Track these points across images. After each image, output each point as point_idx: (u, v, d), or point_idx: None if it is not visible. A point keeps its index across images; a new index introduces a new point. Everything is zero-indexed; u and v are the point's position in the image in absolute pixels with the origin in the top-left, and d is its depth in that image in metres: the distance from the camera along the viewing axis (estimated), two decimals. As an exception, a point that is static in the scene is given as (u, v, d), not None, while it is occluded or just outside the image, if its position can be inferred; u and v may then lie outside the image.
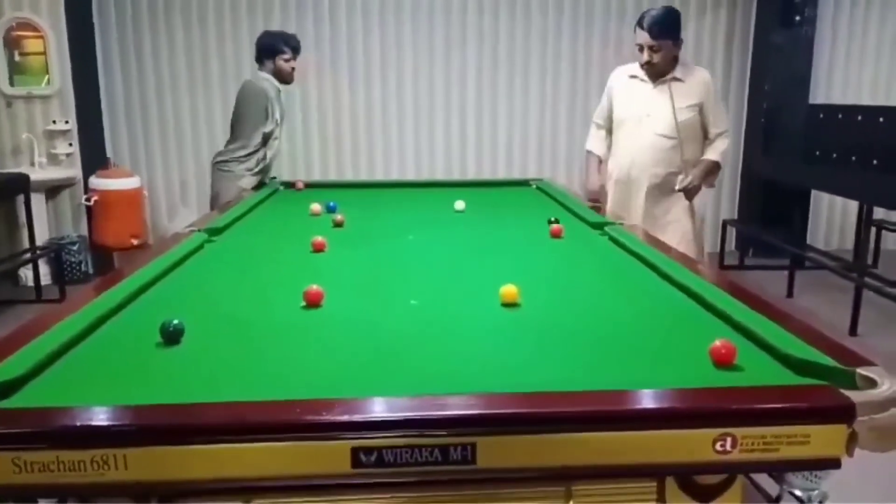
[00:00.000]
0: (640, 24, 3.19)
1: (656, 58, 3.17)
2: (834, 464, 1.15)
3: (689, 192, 3.28)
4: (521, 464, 1.12)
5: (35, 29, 5.19)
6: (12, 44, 5.21)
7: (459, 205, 3.16)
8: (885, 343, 3.98)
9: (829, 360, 1.27)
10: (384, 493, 1.15)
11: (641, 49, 3.18)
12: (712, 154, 3.29)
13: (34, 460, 1.03)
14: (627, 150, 3.34)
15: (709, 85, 3.27)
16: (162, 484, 1.08)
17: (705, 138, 3.31)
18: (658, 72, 3.23)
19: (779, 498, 1.24)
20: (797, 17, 5.70)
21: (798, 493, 1.21)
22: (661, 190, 3.31)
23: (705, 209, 3.48)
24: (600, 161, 3.52)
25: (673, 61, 3.23)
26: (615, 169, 3.41)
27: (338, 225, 2.79)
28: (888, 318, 4.25)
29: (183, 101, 5.90)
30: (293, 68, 4.07)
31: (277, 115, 3.99)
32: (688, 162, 3.26)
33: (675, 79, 3.22)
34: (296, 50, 4.09)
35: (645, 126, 3.27)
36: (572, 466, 1.13)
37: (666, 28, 3.16)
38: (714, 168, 3.32)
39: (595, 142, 3.55)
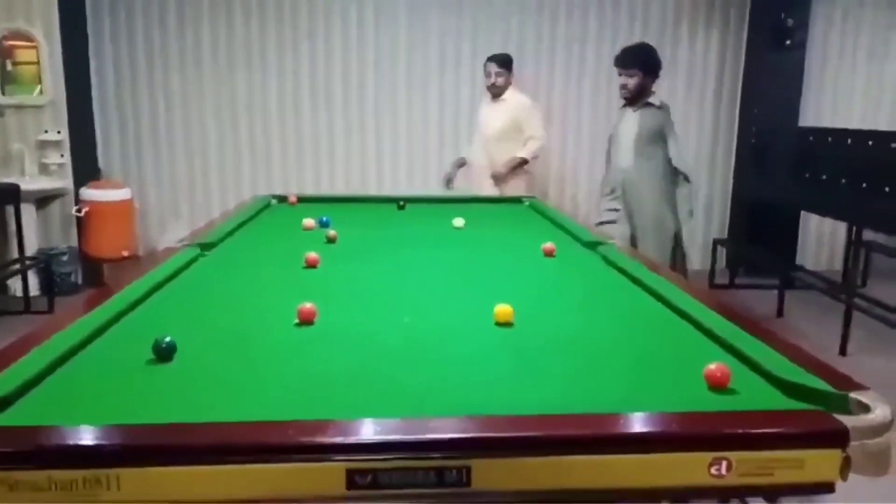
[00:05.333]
0: (490, 59, 4.71)
1: (499, 81, 4.66)
2: (828, 488, 1.15)
3: (497, 179, 4.62)
4: (515, 487, 1.11)
5: (28, 39, 5.19)
6: (5, 53, 5.20)
7: (458, 222, 3.15)
8: (875, 363, 4.00)
9: (822, 385, 1.28)
10: (379, 515, 1.14)
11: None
12: (520, 152, 4.60)
13: (26, 480, 1.02)
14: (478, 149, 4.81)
15: (521, 106, 4.67)
16: (154, 505, 1.07)
17: None
18: (497, 95, 4.70)
19: (772, 523, 1.24)
20: (788, 41, 5.76)
21: (792, 517, 1.21)
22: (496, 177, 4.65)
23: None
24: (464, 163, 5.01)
25: (507, 86, 4.69)
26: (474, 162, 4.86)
27: (331, 240, 2.78)
28: (878, 338, 4.28)
29: (176, 114, 5.90)
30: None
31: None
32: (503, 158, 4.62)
33: (503, 100, 4.69)
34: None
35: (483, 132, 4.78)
36: (567, 490, 1.12)
37: (507, 63, 4.69)
38: (518, 162, 4.62)
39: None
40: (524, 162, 4.65)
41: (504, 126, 4.63)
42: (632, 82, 3.94)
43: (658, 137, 3.92)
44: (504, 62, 4.67)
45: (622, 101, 4.09)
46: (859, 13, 6.08)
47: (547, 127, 5.16)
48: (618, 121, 4.15)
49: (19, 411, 1.19)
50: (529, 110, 4.70)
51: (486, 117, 4.77)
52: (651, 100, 3.96)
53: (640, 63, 3.94)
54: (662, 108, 3.99)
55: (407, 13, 5.88)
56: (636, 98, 3.96)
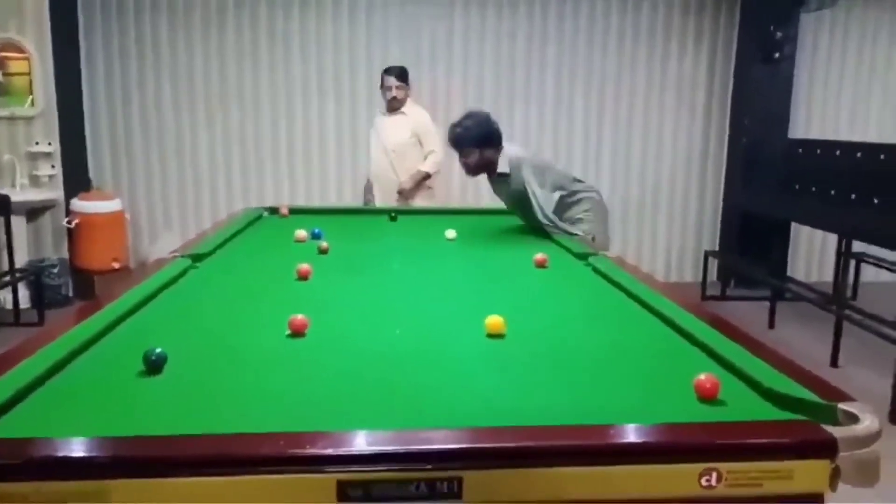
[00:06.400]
0: (388, 72, 4.67)
1: (399, 94, 4.62)
2: (817, 499, 1.16)
3: (402, 194, 4.61)
4: (507, 498, 1.11)
5: (20, 50, 5.18)
6: (-4, 64, 5.20)
7: (450, 234, 3.16)
8: (865, 374, 4.02)
9: (811, 396, 1.28)
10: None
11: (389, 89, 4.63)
12: (422, 166, 4.62)
13: (14, 491, 1.02)
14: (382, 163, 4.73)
15: (421, 121, 4.67)
16: (144, 517, 1.06)
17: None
18: (396, 108, 4.66)
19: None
20: (776, 55, 5.82)
21: (782, 528, 1.21)
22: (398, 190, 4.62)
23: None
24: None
25: (405, 100, 4.68)
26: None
27: (323, 252, 2.78)
28: (868, 349, 4.29)
29: (167, 125, 5.90)
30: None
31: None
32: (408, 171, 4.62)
33: (402, 113, 4.66)
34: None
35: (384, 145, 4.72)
36: (558, 501, 1.12)
37: (404, 75, 4.67)
38: (423, 176, 4.62)
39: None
40: (427, 176, 4.67)
41: (405, 140, 4.64)
42: (471, 160, 3.47)
43: (527, 199, 3.43)
44: (402, 75, 4.67)
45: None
46: (846, 26, 6.15)
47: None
48: None
49: (8, 423, 1.19)
50: (428, 125, 4.71)
51: (386, 131, 4.71)
52: (501, 169, 3.49)
53: (470, 141, 3.44)
54: (511, 172, 3.45)
55: (399, 24, 5.91)
56: (489, 172, 3.53)
